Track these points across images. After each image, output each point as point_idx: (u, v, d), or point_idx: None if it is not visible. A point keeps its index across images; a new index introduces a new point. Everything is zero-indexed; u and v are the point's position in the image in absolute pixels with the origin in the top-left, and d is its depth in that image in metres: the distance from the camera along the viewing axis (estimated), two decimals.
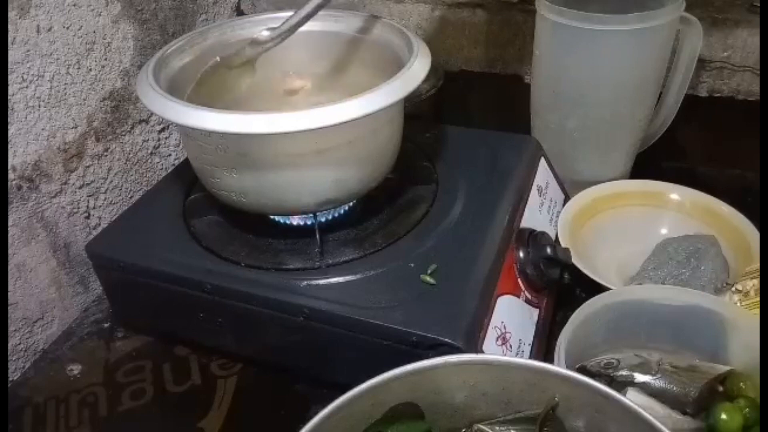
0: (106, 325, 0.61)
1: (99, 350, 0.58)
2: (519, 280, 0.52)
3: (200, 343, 0.56)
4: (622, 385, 0.45)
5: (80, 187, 0.64)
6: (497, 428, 0.36)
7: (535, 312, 0.53)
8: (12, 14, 0.55)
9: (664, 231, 0.63)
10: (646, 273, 0.57)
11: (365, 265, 0.50)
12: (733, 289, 0.52)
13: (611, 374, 0.45)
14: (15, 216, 0.58)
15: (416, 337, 0.44)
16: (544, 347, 0.53)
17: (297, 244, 0.53)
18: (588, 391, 0.33)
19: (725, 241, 0.58)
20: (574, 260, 0.55)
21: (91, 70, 0.64)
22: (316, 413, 0.31)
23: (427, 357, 0.35)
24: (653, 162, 0.72)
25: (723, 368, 0.46)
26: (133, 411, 0.52)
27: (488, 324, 0.46)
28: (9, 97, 0.56)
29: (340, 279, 0.49)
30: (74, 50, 0.62)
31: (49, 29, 0.59)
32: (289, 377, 0.53)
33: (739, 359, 0.46)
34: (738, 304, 0.51)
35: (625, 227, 0.64)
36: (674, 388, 0.44)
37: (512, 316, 0.49)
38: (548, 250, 0.53)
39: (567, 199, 0.66)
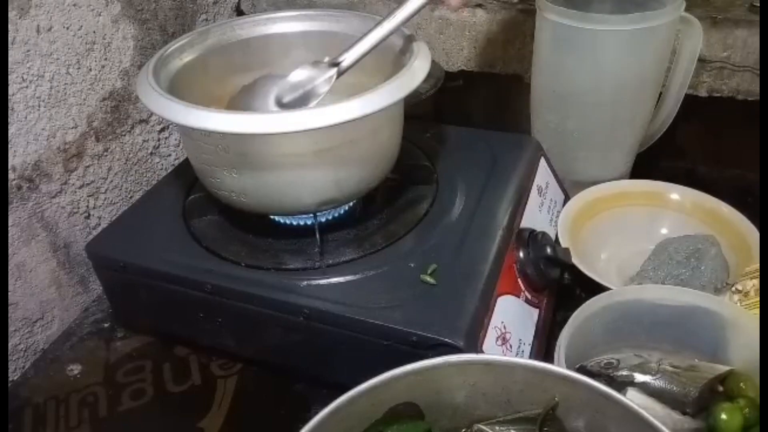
0: (106, 325, 0.61)
1: (99, 350, 0.58)
2: (519, 280, 0.52)
3: (200, 343, 0.56)
4: (622, 385, 0.45)
5: (80, 187, 0.64)
6: (497, 428, 0.36)
7: (535, 312, 0.53)
8: (12, 14, 0.55)
9: (664, 231, 0.63)
10: (646, 273, 0.57)
11: (365, 265, 0.50)
12: (733, 289, 0.52)
13: (611, 374, 0.45)
14: (15, 216, 0.58)
15: (416, 337, 0.44)
16: (544, 347, 0.53)
17: (297, 244, 0.53)
18: (588, 391, 0.33)
19: (725, 241, 0.58)
20: (574, 260, 0.55)
21: (91, 70, 0.64)
22: (316, 413, 0.31)
23: (428, 357, 0.35)
24: (653, 162, 0.72)
25: (723, 368, 0.46)
26: (133, 411, 0.52)
27: (488, 324, 0.46)
28: (9, 97, 0.56)
29: (340, 279, 0.49)
30: (74, 50, 0.62)
31: (49, 29, 0.59)
32: (289, 377, 0.53)
33: (739, 359, 0.46)
34: (738, 304, 0.51)
35: (625, 227, 0.64)
36: (674, 388, 0.44)
37: (512, 316, 0.49)
38: (548, 250, 0.53)
39: (567, 199, 0.66)
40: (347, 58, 0.50)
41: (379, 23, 0.50)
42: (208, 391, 0.53)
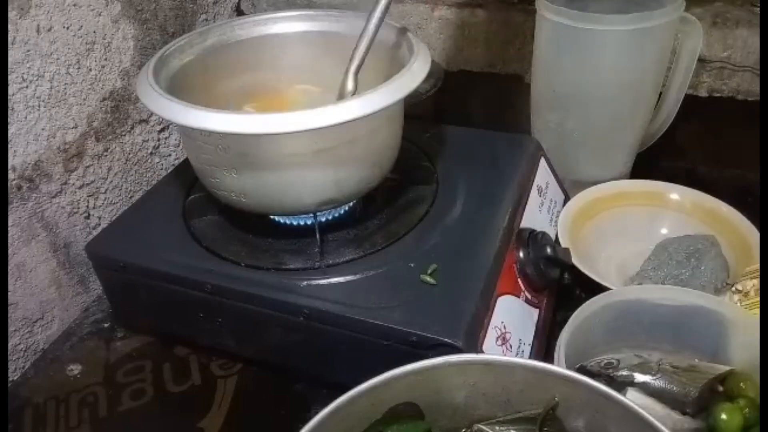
0: (106, 325, 0.61)
1: (99, 350, 0.58)
2: (519, 280, 0.52)
3: (200, 343, 0.56)
4: (622, 385, 0.45)
5: (80, 187, 0.64)
6: (497, 428, 0.36)
7: (535, 312, 0.53)
8: (12, 14, 0.55)
9: (664, 231, 0.63)
10: (646, 273, 0.57)
11: (365, 265, 0.50)
12: (733, 289, 0.52)
13: (611, 374, 0.45)
14: (15, 216, 0.58)
15: (416, 337, 0.44)
16: (544, 347, 0.53)
17: (297, 244, 0.53)
18: (588, 391, 0.33)
19: (725, 241, 0.58)
20: (574, 260, 0.55)
21: (91, 70, 0.64)
22: (316, 413, 0.31)
23: (427, 357, 0.35)
24: (653, 162, 0.72)
25: (723, 368, 0.46)
26: (133, 411, 0.52)
27: (488, 324, 0.46)
28: (9, 97, 0.56)
29: (340, 279, 0.49)
30: (74, 50, 0.62)
31: (49, 29, 0.59)
32: (289, 377, 0.53)
33: (739, 359, 0.46)
34: (738, 304, 0.51)
35: (625, 227, 0.64)
36: (674, 388, 0.44)
37: (512, 316, 0.49)
38: (548, 250, 0.53)
39: (567, 199, 0.66)
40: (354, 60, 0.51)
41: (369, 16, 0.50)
42: (208, 391, 0.53)
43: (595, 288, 0.53)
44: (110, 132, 0.68)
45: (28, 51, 0.57)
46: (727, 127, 0.75)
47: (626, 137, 0.67)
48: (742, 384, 0.45)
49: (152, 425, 0.52)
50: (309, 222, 0.54)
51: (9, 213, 0.57)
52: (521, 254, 0.53)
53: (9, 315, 0.58)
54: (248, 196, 0.51)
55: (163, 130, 0.75)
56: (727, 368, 0.46)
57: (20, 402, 0.54)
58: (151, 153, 0.74)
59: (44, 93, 0.59)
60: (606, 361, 0.46)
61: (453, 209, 0.55)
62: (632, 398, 0.41)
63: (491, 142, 0.63)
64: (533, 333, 0.52)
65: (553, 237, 0.58)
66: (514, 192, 0.57)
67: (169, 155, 0.77)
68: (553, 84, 0.65)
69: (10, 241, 0.57)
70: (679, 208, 0.64)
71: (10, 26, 0.55)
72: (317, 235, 0.52)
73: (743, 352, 0.46)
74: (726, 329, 0.47)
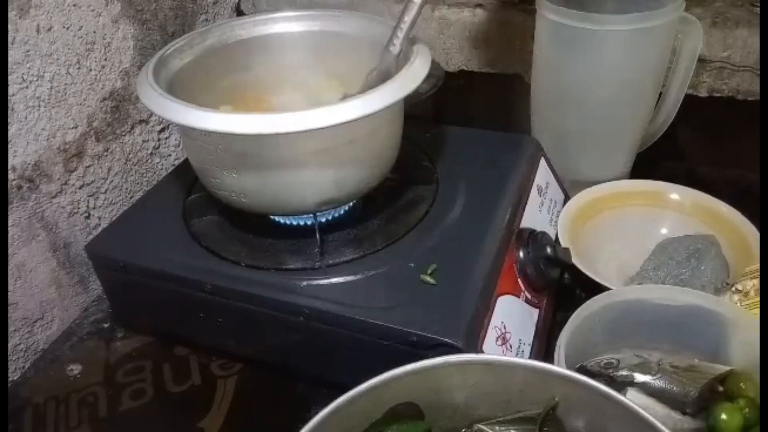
0: (106, 325, 0.61)
1: (99, 350, 0.58)
2: (519, 280, 0.52)
3: (200, 343, 0.56)
4: (622, 385, 0.45)
5: (80, 187, 0.64)
6: (497, 428, 0.36)
7: (535, 312, 0.53)
8: (12, 14, 0.55)
9: (664, 231, 0.63)
10: (646, 273, 0.57)
11: (365, 265, 0.50)
12: (733, 289, 0.52)
13: (611, 374, 0.45)
14: (15, 216, 0.58)
15: (416, 337, 0.44)
16: (544, 347, 0.53)
17: (297, 244, 0.53)
18: (588, 391, 0.33)
19: (725, 241, 0.58)
20: (574, 260, 0.55)
21: (91, 70, 0.64)
22: (316, 413, 0.31)
23: (427, 357, 0.35)
24: (653, 162, 0.72)
25: (723, 368, 0.46)
26: (133, 411, 0.52)
27: (488, 324, 0.46)
28: (9, 97, 0.56)
29: (340, 279, 0.49)
30: (74, 50, 0.62)
31: (49, 29, 0.59)
32: (289, 377, 0.53)
33: (739, 359, 0.46)
34: (738, 304, 0.51)
35: (625, 227, 0.64)
36: (674, 388, 0.44)
37: (512, 316, 0.49)
38: (548, 250, 0.53)
39: (567, 199, 0.66)
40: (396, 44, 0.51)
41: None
42: (208, 391, 0.53)
43: (595, 288, 0.53)
44: (110, 132, 0.68)
45: (28, 51, 0.57)
46: (727, 127, 0.75)
47: (626, 137, 0.67)
48: (742, 384, 0.45)
49: (152, 425, 0.52)
50: (309, 222, 0.54)
51: (9, 213, 0.57)
52: (521, 254, 0.53)
53: (9, 315, 0.58)
54: (248, 196, 0.51)
55: (163, 130, 0.75)
56: (727, 368, 0.46)
57: (20, 402, 0.54)
58: (151, 153, 0.74)
59: (44, 93, 0.59)
60: (606, 361, 0.46)
61: (453, 209, 0.55)
62: (632, 398, 0.41)
63: (491, 142, 0.63)
64: (533, 333, 0.52)
65: (553, 237, 0.58)
66: (514, 192, 0.57)
67: (169, 155, 0.77)
68: (553, 84, 0.65)
69: (10, 241, 0.57)
70: (679, 208, 0.64)
71: (10, 26, 0.55)
72: (317, 235, 0.52)
73: (743, 352, 0.46)
74: (726, 329, 0.47)
